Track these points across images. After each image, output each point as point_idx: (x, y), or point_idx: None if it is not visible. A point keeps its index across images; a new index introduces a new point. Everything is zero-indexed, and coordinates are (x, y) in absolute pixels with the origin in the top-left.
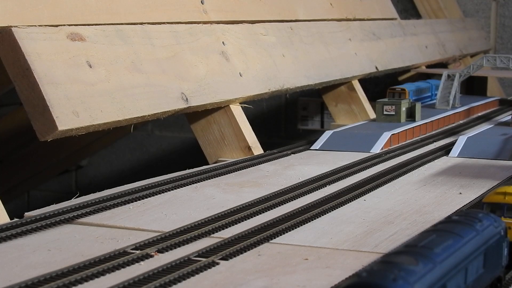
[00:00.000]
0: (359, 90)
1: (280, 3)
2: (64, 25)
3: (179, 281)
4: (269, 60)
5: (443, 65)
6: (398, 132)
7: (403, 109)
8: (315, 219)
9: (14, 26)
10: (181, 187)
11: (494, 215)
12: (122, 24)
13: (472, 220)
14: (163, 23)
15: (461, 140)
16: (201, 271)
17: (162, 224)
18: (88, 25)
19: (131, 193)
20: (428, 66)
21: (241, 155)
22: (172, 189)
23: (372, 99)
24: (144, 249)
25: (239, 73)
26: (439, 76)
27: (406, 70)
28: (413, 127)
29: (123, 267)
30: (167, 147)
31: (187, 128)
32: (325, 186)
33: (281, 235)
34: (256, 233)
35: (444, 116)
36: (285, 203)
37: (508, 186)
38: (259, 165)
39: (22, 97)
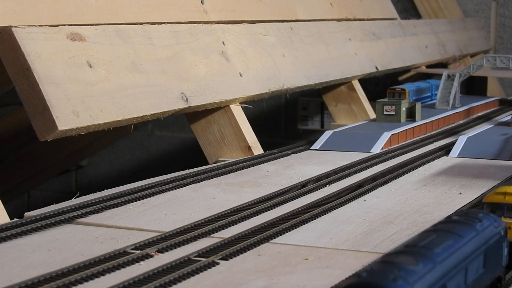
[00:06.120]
0: (359, 90)
1: (280, 3)
2: (64, 25)
3: (179, 281)
4: (269, 60)
5: (443, 65)
6: (398, 132)
7: (403, 109)
8: (315, 219)
9: (14, 26)
10: (181, 187)
11: (494, 215)
12: (122, 24)
13: (472, 220)
14: (163, 23)
15: (461, 140)
16: (201, 271)
17: (162, 224)
18: (88, 25)
19: (131, 193)
20: (428, 66)
21: (241, 155)
22: (172, 189)
23: (372, 99)
24: (144, 249)
25: (239, 73)
26: (439, 76)
27: (406, 70)
28: (413, 127)
29: (123, 267)
30: (167, 147)
31: (187, 128)
32: (325, 186)
33: (281, 235)
34: (256, 233)
35: (444, 116)
36: (285, 203)
37: (508, 186)
38: (259, 165)
39: (22, 97)
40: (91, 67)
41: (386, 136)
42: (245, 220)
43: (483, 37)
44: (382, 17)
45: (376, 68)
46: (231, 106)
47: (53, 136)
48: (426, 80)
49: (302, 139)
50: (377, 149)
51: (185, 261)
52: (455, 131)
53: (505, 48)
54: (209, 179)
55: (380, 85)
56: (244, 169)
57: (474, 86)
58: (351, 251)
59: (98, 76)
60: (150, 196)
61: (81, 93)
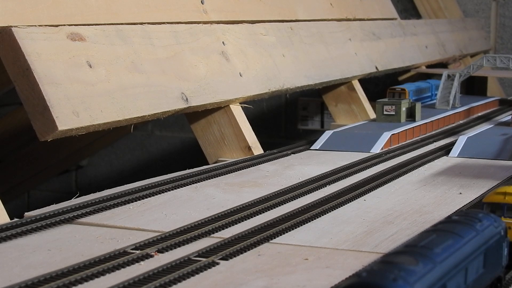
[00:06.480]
0: (359, 90)
1: (280, 3)
2: (64, 25)
3: (179, 281)
4: (269, 60)
5: (443, 65)
6: (398, 132)
7: (403, 109)
8: (315, 219)
9: (14, 26)
10: (181, 187)
11: (494, 215)
12: (122, 24)
13: (472, 220)
14: (163, 23)
15: (461, 140)
16: (201, 271)
17: (162, 224)
18: (88, 25)
19: (131, 193)
20: (428, 66)
21: (241, 155)
22: (172, 189)
23: (372, 99)
24: (144, 249)
25: (239, 73)
26: (439, 76)
27: (406, 70)
28: (413, 127)
29: (123, 267)
30: (167, 147)
31: (187, 128)
32: (325, 186)
33: (281, 235)
34: (256, 233)
35: (444, 116)
36: (285, 203)
37: (508, 186)
38: (259, 165)
39: (22, 97)
40: (91, 67)
41: (386, 136)
42: (245, 220)
43: (483, 37)
44: (382, 17)
45: (376, 68)
46: (231, 106)
47: (53, 136)
48: (426, 80)
49: (302, 139)
50: (377, 149)
51: (185, 261)
52: (455, 131)
53: (505, 48)
54: (209, 179)
55: (380, 85)
56: (244, 169)
57: (474, 86)
58: (351, 251)
59: (98, 76)
60: (150, 196)
61: (81, 93)
